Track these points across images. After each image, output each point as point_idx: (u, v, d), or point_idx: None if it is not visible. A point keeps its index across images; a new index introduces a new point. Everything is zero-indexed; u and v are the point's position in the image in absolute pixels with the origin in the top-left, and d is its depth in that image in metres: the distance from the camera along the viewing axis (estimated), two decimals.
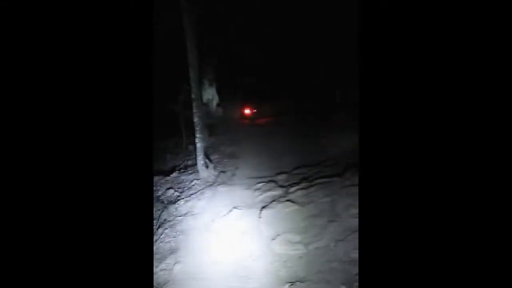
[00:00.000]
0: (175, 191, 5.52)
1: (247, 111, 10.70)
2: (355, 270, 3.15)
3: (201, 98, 5.95)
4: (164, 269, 3.58)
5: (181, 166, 6.77)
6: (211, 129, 8.91)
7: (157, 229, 4.40)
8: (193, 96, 5.76)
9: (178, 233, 4.21)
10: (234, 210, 4.37)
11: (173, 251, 3.87)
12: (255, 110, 10.63)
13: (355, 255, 3.30)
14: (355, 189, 4.05)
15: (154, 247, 4.01)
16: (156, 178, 6.16)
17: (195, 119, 5.78)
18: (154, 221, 4.63)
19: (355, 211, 3.75)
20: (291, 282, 3.16)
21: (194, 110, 5.78)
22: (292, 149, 6.40)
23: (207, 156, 6.61)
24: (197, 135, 5.75)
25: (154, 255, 3.87)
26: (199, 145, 5.74)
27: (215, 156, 7.01)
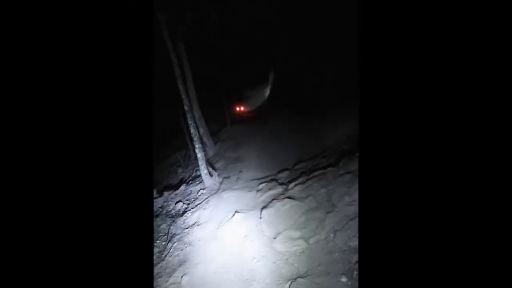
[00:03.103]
0: (184, 203, 5.66)
1: (238, 108, 10.96)
2: (355, 258, 3.16)
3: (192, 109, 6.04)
4: (173, 283, 3.71)
5: (189, 178, 6.92)
6: (216, 134, 9.05)
7: (167, 244, 4.55)
8: (185, 108, 5.86)
9: (185, 245, 4.34)
10: (237, 214, 4.45)
11: (181, 263, 4.00)
12: (244, 107, 10.88)
13: (353, 243, 3.30)
14: (349, 177, 4.04)
15: (164, 262, 4.16)
16: (166, 193, 6.34)
17: (191, 130, 5.88)
18: (164, 236, 4.79)
19: (350, 199, 3.74)
20: (293, 279, 3.20)
21: (189, 122, 5.88)
22: (291, 145, 6.40)
23: (210, 164, 6.73)
24: (196, 146, 5.85)
25: (164, 270, 4.02)
26: (199, 155, 5.84)
27: (221, 163, 7.10)
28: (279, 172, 5.47)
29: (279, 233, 3.82)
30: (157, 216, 5.64)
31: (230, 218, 4.42)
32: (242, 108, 11.11)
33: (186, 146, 9.22)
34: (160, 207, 5.98)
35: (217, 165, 6.95)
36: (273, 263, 3.51)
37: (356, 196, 3.74)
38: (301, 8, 9.94)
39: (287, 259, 3.50)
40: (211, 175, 6.04)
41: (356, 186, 3.84)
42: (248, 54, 12.01)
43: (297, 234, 3.70)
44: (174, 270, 3.91)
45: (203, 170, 5.93)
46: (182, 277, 3.72)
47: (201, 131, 7.50)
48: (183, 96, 5.86)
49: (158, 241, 4.77)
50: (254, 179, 5.61)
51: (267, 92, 12.38)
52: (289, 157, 5.95)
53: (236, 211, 4.52)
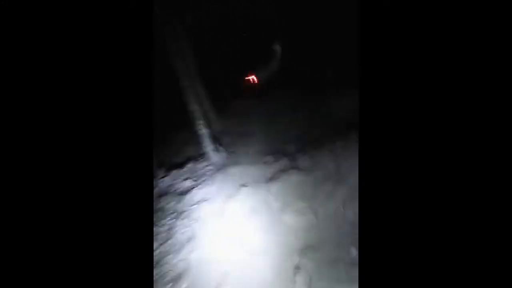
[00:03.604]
0: (191, 180, 5.62)
1: (250, 78, 10.66)
2: None
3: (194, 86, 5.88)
4: (182, 260, 3.70)
5: (197, 155, 6.85)
6: (221, 110, 8.87)
7: (176, 222, 4.53)
8: (185, 83, 5.67)
9: (193, 221, 4.31)
10: (243, 188, 4.37)
11: (189, 240, 3.98)
12: (256, 77, 10.57)
13: None
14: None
15: (173, 239, 4.15)
16: (174, 172, 6.30)
17: (193, 107, 5.73)
18: (173, 214, 4.78)
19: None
20: (302, 250, 3.13)
21: (189, 98, 5.71)
22: (298, 119, 6.20)
23: (217, 140, 6.61)
24: (199, 122, 5.73)
25: (173, 247, 4.01)
26: (203, 131, 5.74)
27: (228, 138, 6.98)
28: (286, 144, 5.32)
29: (287, 206, 3.73)
30: (166, 194, 5.62)
31: (237, 192, 4.34)
32: (254, 78, 10.82)
33: (193, 124, 9.13)
34: (168, 186, 5.96)
35: (223, 141, 6.83)
36: (282, 235, 3.44)
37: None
38: (301, 8, 9.47)
39: (296, 231, 3.42)
40: (217, 151, 5.94)
41: None
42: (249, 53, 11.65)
43: (305, 206, 3.60)
44: (182, 247, 3.89)
45: (209, 146, 5.83)
46: (190, 253, 3.70)
47: (206, 106, 7.33)
48: (181, 72, 5.66)
49: (168, 219, 4.76)
50: (261, 153, 5.48)
51: (276, 64, 12.04)
52: (296, 130, 5.77)
53: (242, 185, 4.43)
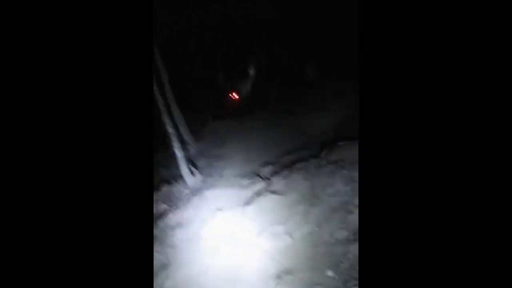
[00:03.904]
0: (166, 205, 5.50)
1: (233, 96, 10.65)
2: (340, 250, 3.08)
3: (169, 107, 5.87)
4: None
5: (171, 178, 6.73)
6: (199, 132, 8.83)
7: None
8: (160, 107, 5.63)
9: (168, 248, 4.19)
10: (219, 212, 4.32)
11: (163, 267, 3.85)
12: (238, 95, 10.60)
13: (338, 235, 3.22)
14: (331, 168, 3.95)
15: None
16: None
17: (169, 130, 5.68)
18: None
19: (332, 190, 3.66)
20: (278, 277, 3.10)
21: (165, 121, 5.67)
22: (275, 138, 6.29)
23: (193, 163, 6.56)
24: (175, 145, 5.67)
25: None
26: (179, 154, 5.68)
27: (204, 161, 6.93)
28: (263, 167, 5.36)
29: (263, 230, 3.71)
30: None
31: (213, 217, 4.29)
32: (236, 96, 10.80)
33: (169, 146, 8.98)
34: None
35: (200, 164, 6.78)
36: (258, 261, 3.40)
37: (338, 186, 3.67)
38: (301, 8, 9.76)
39: (272, 256, 3.39)
40: (193, 174, 5.88)
41: (338, 176, 3.76)
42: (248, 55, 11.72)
43: (281, 229, 3.60)
44: (156, 275, 3.74)
45: (184, 169, 5.77)
46: (164, 282, 3.57)
47: (181, 129, 7.29)
48: (157, 95, 5.64)
49: None
50: (238, 176, 5.47)
51: (249, 86, 12.21)
52: (272, 151, 5.83)
53: (219, 210, 4.38)
